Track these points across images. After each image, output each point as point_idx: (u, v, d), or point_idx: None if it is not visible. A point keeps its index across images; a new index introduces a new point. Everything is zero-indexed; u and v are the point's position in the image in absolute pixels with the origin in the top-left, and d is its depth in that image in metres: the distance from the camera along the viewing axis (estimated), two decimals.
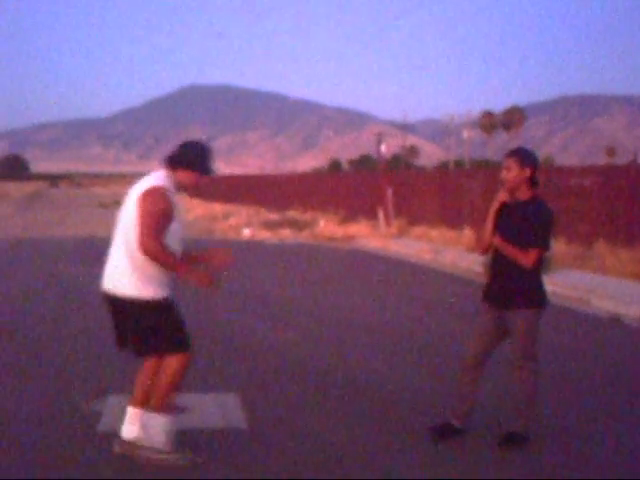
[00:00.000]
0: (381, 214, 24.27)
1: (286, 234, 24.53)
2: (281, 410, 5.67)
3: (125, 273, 4.44)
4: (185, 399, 5.43)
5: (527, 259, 4.81)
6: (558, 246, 14.52)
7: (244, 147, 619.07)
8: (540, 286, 4.96)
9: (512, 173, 4.88)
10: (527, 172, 4.87)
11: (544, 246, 4.85)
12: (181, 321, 4.60)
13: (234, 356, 7.40)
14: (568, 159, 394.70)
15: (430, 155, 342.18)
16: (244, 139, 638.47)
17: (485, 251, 5.13)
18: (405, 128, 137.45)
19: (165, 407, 4.58)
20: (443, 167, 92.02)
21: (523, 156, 4.92)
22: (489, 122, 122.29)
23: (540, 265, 4.93)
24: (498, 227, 4.97)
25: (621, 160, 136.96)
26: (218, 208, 38.73)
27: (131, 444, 4.61)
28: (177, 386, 4.62)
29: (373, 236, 22.31)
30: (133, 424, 4.64)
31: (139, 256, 4.38)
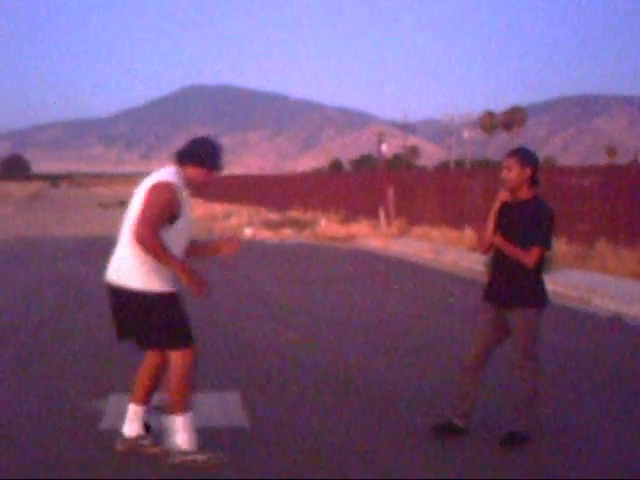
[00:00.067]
0: (382, 214, 24.27)
1: (287, 234, 24.54)
2: (282, 409, 5.68)
3: (132, 266, 4.40)
4: None
5: (528, 258, 4.82)
6: (559, 246, 14.51)
7: (245, 147, 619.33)
8: (541, 285, 4.96)
9: (513, 173, 4.89)
10: (528, 172, 4.88)
11: (545, 245, 4.85)
12: (186, 317, 4.56)
13: (235, 355, 7.41)
14: (569, 159, 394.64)
15: (431, 155, 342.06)
16: (245, 139, 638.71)
17: (486, 251, 5.14)
18: (406, 128, 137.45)
19: (184, 407, 4.49)
20: (444, 167, 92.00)
21: (524, 156, 4.93)
22: (490, 122, 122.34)
23: (541, 264, 4.94)
24: (499, 226, 4.98)
25: (622, 160, 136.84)
26: (219, 208, 38.75)
27: (132, 441, 4.62)
28: (191, 383, 4.52)
29: (374, 236, 22.31)
30: (134, 422, 4.64)
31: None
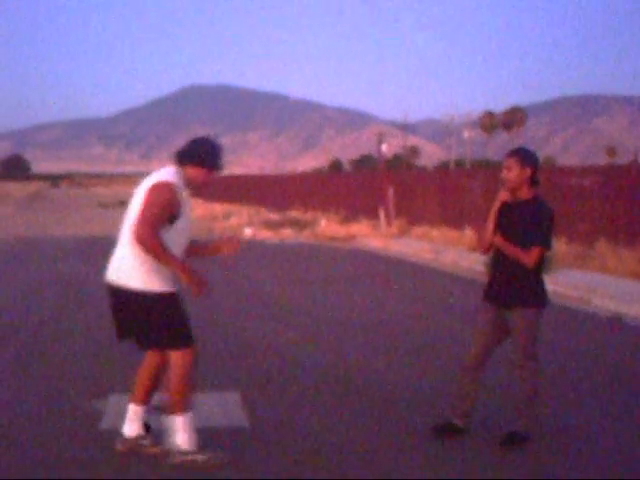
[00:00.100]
0: (382, 214, 24.27)
1: (287, 234, 24.54)
2: (282, 409, 5.68)
3: (132, 266, 4.39)
4: None
5: (528, 258, 4.82)
6: (559, 246, 14.51)
7: (245, 147, 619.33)
8: (541, 285, 4.97)
9: (513, 173, 4.89)
10: (528, 172, 4.88)
11: (545, 245, 4.85)
12: (186, 317, 4.55)
13: (235, 355, 7.41)
14: (569, 159, 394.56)
15: (431, 155, 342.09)
16: (245, 139, 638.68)
17: (487, 251, 5.14)
18: (406, 128, 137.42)
19: (184, 407, 4.48)
20: (444, 167, 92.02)
21: (524, 156, 4.93)
22: (490, 122, 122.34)
23: (541, 264, 4.94)
24: (499, 226, 4.99)
25: (622, 160, 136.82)
26: (219, 208, 38.75)
27: (132, 441, 4.62)
28: (191, 383, 4.52)
29: (374, 236, 22.31)
30: (134, 422, 4.64)
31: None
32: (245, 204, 41.10)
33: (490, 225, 5.01)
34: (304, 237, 23.72)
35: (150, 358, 4.64)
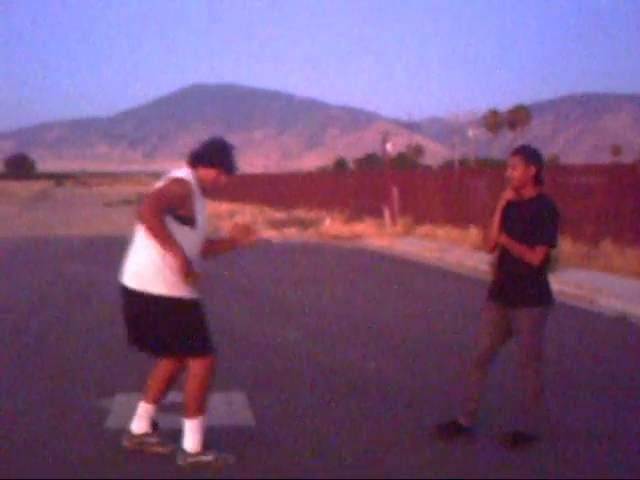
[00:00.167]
0: (387, 213, 24.27)
1: (291, 233, 24.55)
2: (287, 408, 5.69)
3: (153, 270, 4.31)
4: None
5: (534, 256, 4.82)
6: (564, 245, 14.49)
7: (249, 146, 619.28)
8: (546, 285, 4.96)
9: (517, 171, 4.89)
10: (532, 170, 4.88)
11: (551, 243, 4.85)
12: (206, 325, 4.49)
13: (241, 355, 7.42)
14: (573, 158, 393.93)
15: (435, 154, 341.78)
16: (249, 138, 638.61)
17: (492, 249, 5.13)
18: (410, 127, 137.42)
19: (198, 411, 4.48)
20: (448, 166, 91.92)
21: (528, 154, 4.93)
22: (494, 121, 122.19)
23: (546, 263, 4.93)
24: (504, 225, 4.98)
25: (627, 159, 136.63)
26: (223, 207, 38.77)
27: (138, 438, 4.63)
28: (207, 389, 4.52)
29: (379, 235, 22.30)
30: (143, 419, 4.65)
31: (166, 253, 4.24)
32: (249, 203, 41.11)
33: (495, 224, 5.00)
34: (308, 236, 23.71)
35: (166, 364, 4.61)
